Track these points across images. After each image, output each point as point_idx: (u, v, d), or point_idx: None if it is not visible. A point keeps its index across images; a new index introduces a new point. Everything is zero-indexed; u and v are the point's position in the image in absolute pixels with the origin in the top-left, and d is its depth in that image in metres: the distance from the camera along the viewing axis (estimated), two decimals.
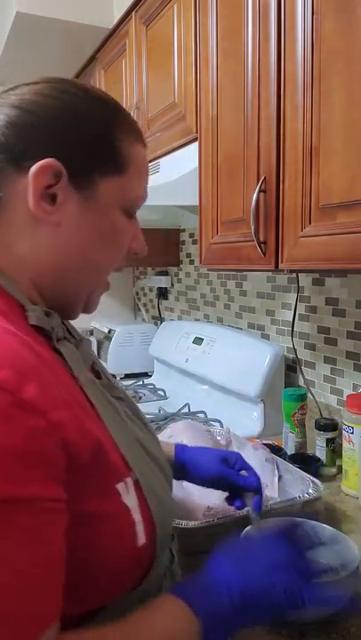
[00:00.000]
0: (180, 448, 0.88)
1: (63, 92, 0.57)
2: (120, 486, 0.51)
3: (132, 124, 0.62)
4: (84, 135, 0.56)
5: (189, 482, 0.87)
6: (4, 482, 0.40)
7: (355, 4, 0.82)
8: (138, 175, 0.61)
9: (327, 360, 1.41)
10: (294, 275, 1.48)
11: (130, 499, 0.52)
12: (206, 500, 0.93)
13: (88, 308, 0.64)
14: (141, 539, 0.52)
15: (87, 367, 0.61)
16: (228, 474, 0.85)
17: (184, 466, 0.85)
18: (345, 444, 1.14)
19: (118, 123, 0.59)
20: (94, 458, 0.48)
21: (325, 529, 0.84)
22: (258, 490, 0.86)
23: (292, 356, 1.53)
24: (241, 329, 1.79)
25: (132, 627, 0.50)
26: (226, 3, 1.16)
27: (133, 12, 1.65)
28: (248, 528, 0.82)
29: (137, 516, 0.52)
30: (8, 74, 2.15)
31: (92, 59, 2.07)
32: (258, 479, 0.86)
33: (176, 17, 1.40)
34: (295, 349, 1.50)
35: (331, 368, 1.41)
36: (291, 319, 1.49)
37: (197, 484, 0.87)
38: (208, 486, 0.87)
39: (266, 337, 1.66)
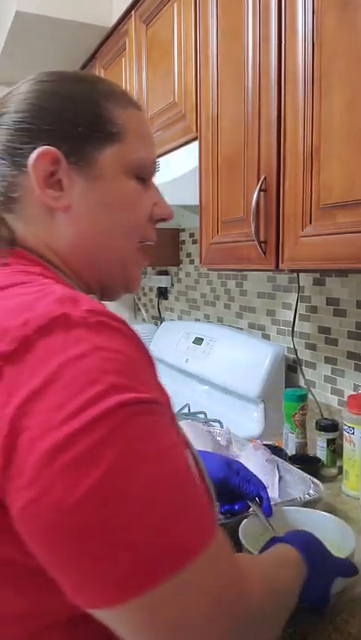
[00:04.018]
0: None
1: (38, 82, 0.58)
2: None
3: (118, 91, 0.61)
4: (70, 115, 0.57)
5: None
6: (151, 387, 0.44)
7: (356, 3, 0.82)
8: (138, 138, 0.60)
9: (328, 360, 1.41)
10: (295, 274, 1.48)
11: None
12: None
13: (129, 287, 0.65)
14: None
15: None
16: (232, 478, 0.86)
17: None
18: (346, 445, 1.14)
19: (101, 92, 0.59)
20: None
21: (325, 516, 0.88)
22: (260, 496, 0.87)
23: (292, 356, 1.52)
24: (241, 329, 1.78)
25: (272, 556, 0.60)
26: (226, 1, 1.16)
27: (133, 11, 1.64)
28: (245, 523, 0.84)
29: None
30: (8, 73, 2.15)
31: (92, 58, 2.06)
32: (259, 486, 0.87)
33: (176, 16, 1.39)
34: (296, 349, 1.50)
35: (331, 368, 1.40)
36: (291, 319, 1.49)
37: None
38: None
39: (266, 337, 1.66)
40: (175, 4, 1.40)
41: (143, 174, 0.61)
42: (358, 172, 0.84)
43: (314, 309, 1.45)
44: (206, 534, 0.41)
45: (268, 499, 0.87)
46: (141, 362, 0.45)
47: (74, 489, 0.37)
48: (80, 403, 0.39)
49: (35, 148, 0.55)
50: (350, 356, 1.33)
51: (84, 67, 2.16)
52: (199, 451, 0.65)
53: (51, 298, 0.45)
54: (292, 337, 1.50)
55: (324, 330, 1.42)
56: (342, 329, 1.36)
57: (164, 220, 0.64)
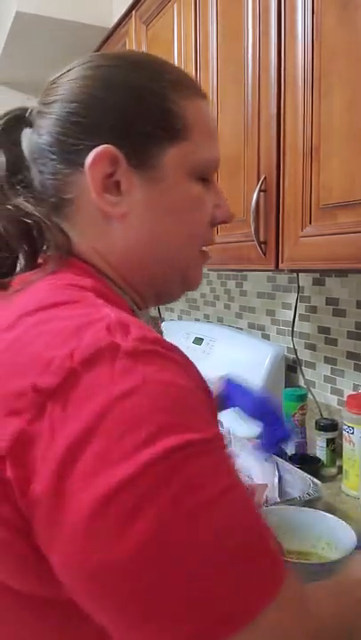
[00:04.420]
0: (227, 381, 0.92)
1: (93, 67, 0.52)
2: None
3: (185, 78, 0.55)
4: (133, 110, 0.51)
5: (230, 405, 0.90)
6: (205, 422, 0.39)
7: (356, 2, 0.82)
8: (204, 134, 0.54)
9: (327, 360, 1.41)
10: (294, 274, 1.48)
11: None
12: None
13: (189, 286, 0.60)
14: None
15: None
16: (267, 413, 0.83)
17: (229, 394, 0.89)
18: (345, 445, 1.14)
19: (168, 82, 0.52)
20: None
21: (325, 516, 0.86)
22: (285, 439, 0.84)
23: (292, 356, 1.52)
24: (241, 329, 1.78)
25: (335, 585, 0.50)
26: (226, 2, 1.16)
27: (133, 12, 1.64)
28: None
29: None
30: (8, 73, 2.15)
31: None
32: (289, 432, 0.85)
33: (176, 17, 1.39)
34: (295, 349, 1.50)
35: (331, 368, 1.40)
36: (291, 319, 1.49)
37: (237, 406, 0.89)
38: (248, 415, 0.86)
39: (266, 337, 1.66)
40: (175, 5, 1.40)
41: (206, 175, 0.56)
42: (358, 172, 0.84)
43: (313, 309, 1.45)
44: (273, 586, 0.37)
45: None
46: (195, 393, 0.41)
47: (114, 547, 0.34)
48: (124, 449, 0.35)
49: (92, 146, 0.49)
50: (350, 356, 1.33)
51: None
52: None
53: (100, 324, 0.40)
54: (292, 337, 1.50)
55: (323, 330, 1.42)
56: (342, 329, 1.36)
57: (224, 222, 0.59)
